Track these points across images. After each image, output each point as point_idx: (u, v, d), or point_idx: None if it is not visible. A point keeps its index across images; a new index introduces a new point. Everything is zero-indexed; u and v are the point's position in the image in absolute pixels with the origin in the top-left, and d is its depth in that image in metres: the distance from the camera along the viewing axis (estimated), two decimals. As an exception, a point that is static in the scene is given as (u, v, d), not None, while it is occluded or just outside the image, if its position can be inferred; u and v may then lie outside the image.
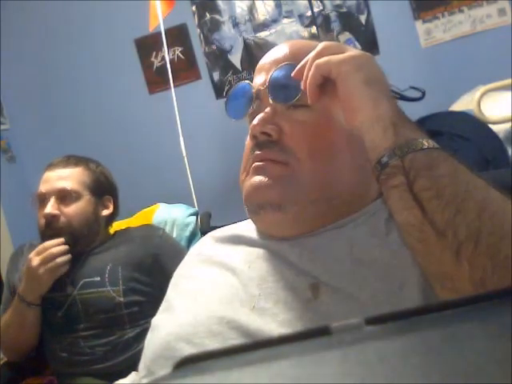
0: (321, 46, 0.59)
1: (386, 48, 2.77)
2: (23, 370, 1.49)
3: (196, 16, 3.08)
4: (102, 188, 1.49)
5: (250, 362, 0.23)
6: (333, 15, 2.86)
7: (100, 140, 3.21)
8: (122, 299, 1.34)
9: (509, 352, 0.19)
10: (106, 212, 1.49)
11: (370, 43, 2.78)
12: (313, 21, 2.89)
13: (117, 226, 1.60)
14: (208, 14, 3.06)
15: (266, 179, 0.64)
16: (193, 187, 2.60)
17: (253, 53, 3.00)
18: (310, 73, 0.58)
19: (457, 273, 0.48)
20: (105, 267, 1.38)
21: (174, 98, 2.63)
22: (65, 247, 1.36)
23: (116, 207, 1.53)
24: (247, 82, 0.69)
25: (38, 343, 1.44)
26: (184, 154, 2.60)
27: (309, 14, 2.89)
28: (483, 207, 0.48)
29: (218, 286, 0.67)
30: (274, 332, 0.56)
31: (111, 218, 1.53)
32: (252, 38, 3.01)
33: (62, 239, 1.36)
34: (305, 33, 2.91)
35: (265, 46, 2.97)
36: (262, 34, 2.99)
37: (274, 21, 2.96)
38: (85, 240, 1.43)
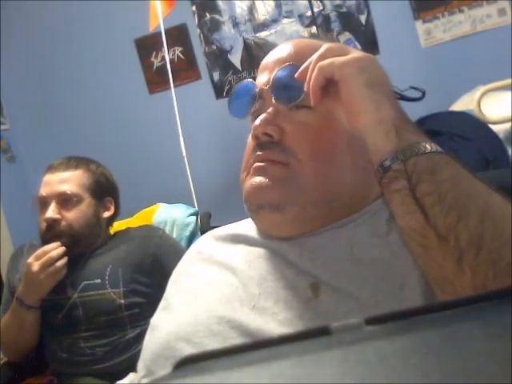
0: (324, 47, 0.59)
1: (385, 48, 2.77)
2: (23, 370, 1.49)
3: (196, 16, 3.08)
4: (103, 189, 1.49)
5: (249, 362, 0.23)
6: (333, 15, 2.86)
7: (100, 140, 3.21)
8: (122, 301, 1.34)
9: (509, 352, 0.19)
10: (107, 214, 1.49)
11: (370, 43, 2.78)
12: (313, 21, 2.89)
13: (117, 226, 1.60)
14: (208, 14, 3.06)
15: (266, 180, 0.64)
16: (193, 187, 2.60)
17: (253, 53, 3.00)
18: (313, 75, 0.58)
19: (458, 278, 0.48)
20: (105, 269, 1.38)
21: (174, 98, 2.63)
22: (63, 249, 1.36)
23: (117, 208, 1.53)
24: (250, 80, 0.69)
25: (37, 344, 1.44)
26: (184, 154, 2.60)
27: (309, 14, 2.89)
28: (485, 213, 0.48)
29: (218, 286, 0.66)
30: (274, 331, 0.56)
31: (112, 218, 1.53)
32: (252, 38, 3.01)
33: (58, 243, 1.36)
34: (305, 33, 2.91)
35: (265, 46, 2.97)
36: (262, 34, 2.99)
37: (274, 21, 2.96)
38: (86, 242, 1.43)
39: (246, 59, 3.02)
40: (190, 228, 1.63)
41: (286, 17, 2.94)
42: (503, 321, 0.22)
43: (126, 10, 3.05)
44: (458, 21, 2.66)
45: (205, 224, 1.65)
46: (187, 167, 2.61)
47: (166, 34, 2.65)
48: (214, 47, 3.08)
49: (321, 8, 2.87)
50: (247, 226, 0.73)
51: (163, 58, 2.97)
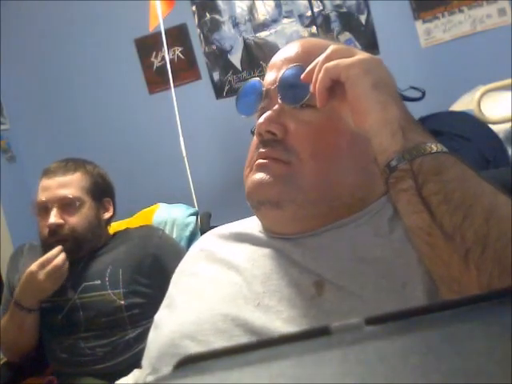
0: (330, 49, 0.59)
1: (385, 48, 2.77)
2: (23, 370, 1.49)
3: (196, 16, 3.08)
4: (101, 191, 1.48)
5: (250, 362, 0.23)
6: (333, 15, 2.86)
7: (100, 140, 3.21)
8: (122, 302, 1.34)
9: (509, 352, 0.19)
10: (107, 215, 1.49)
11: (370, 43, 2.78)
12: (313, 21, 2.89)
13: (117, 226, 1.60)
14: (208, 14, 3.06)
15: (268, 177, 0.65)
16: (193, 187, 2.60)
17: (253, 53, 3.00)
18: (319, 76, 0.58)
19: (464, 277, 0.48)
20: (105, 270, 1.38)
21: (174, 98, 2.63)
22: (65, 255, 1.35)
23: (114, 208, 1.53)
24: (257, 79, 0.70)
25: (37, 344, 1.44)
26: (184, 154, 2.60)
27: (309, 14, 2.89)
28: (491, 212, 0.48)
29: (221, 284, 0.67)
30: (279, 329, 0.57)
31: (111, 219, 1.53)
32: (252, 38, 3.01)
33: (60, 247, 1.35)
34: (305, 33, 2.91)
35: (265, 46, 2.97)
36: (262, 34, 2.99)
37: (274, 21, 2.96)
38: (89, 245, 1.43)
39: (245, 59, 3.02)
40: (190, 228, 1.63)
41: (286, 17, 2.94)
42: (503, 321, 0.22)
43: (126, 9, 3.05)
44: (458, 21, 2.66)
45: (205, 224, 1.65)
46: (187, 167, 2.61)
47: (166, 33, 2.65)
48: (214, 47, 3.08)
49: (321, 8, 2.87)
50: (250, 225, 0.74)
51: (163, 58, 2.97)
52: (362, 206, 0.67)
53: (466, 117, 1.92)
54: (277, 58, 0.71)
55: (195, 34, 3.09)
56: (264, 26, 2.98)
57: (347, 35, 2.84)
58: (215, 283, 0.68)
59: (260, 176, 0.66)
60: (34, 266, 1.32)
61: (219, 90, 3.08)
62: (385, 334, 0.23)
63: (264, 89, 0.69)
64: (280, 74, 0.67)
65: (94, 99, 3.27)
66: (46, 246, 1.38)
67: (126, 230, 1.55)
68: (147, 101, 3.19)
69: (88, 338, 1.34)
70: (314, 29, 2.89)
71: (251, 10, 2.99)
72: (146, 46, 3.13)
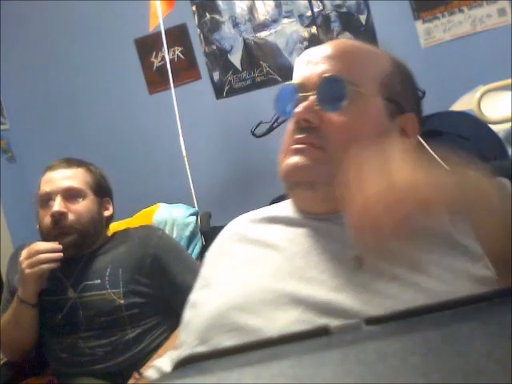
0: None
1: (385, 48, 2.76)
2: (23, 370, 1.49)
3: (196, 16, 3.08)
4: (103, 189, 1.49)
5: (250, 362, 0.23)
6: (333, 15, 2.86)
7: (100, 140, 3.21)
8: (122, 301, 1.34)
9: (509, 352, 0.19)
10: (107, 213, 1.50)
11: (369, 43, 2.77)
12: (313, 21, 2.89)
13: (117, 226, 1.60)
14: (208, 14, 3.05)
15: (303, 160, 0.70)
16: (193, 187, 2.60)
17: (253, 53, 3.00)
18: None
19: None
20: (105, 269, 1.38)
21: (174, 98, 2.63)
22: (52, 246, 1.33)
23: (113, 210, 1.53)
24: (293, 83, 0.75)
25: (36, 344, 1.44)
26: (184, 153, 2.60)
27: (309, 14, 2.89)
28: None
29: (262, 261, 0.70)
30: (325, 297, 0.60)
31: (110, 219, 1.53)
32: (252, 38, 3.01)
33: (59, 246, 1.33)
34: (305, 33, 2.91)
35: (265, 46, 2.97)
36: (262, 34, 2.99)
37: (274, 21, 2.96)
38: (91, 239, 1.42)
39: (246, 59, 3.02)
40: (190, 228, 1.63)
41: (286, 17, 2.94)
42: (503, 321, 0.22)
43: (126, 10, 3.05)
44: (457, 21, 2.66)
45: (205, 224, 1.65)
46: (187, 167, 2.61)
47: (166, 33, 2.65)
48: (214, 47, 3.07)
49: (321, 8, 2.87)
50: (281, 209, 0.78)
51: (163, 58, 2.97)
52: None
53: (465, 117, 1.92)
54: (313, 54, 0.75)
55: (195, 34, 3.09)
56: (264, 26, 2.98)
57: (347, 35, 2.84)
58: (255, 261, 0.71)
59: (296, 159, 0.70)
60: (22, 255, 1.32)
61: (219, 90, 3.08)
62: (385, 334, 0.23)
63: (298, 82, 0.73)
64: (318, 81, 0.71)
65: (94, 99, 3.27)
66: (51, 238, 1.36)
67: (126, 230, 1.55)
68: (147, 101, 3.19)
69: (88, 338, 1.34)
70: (314, 29, 2.89)
71: (251, 9, 2.99)
72: (146, 46, 3.13)
